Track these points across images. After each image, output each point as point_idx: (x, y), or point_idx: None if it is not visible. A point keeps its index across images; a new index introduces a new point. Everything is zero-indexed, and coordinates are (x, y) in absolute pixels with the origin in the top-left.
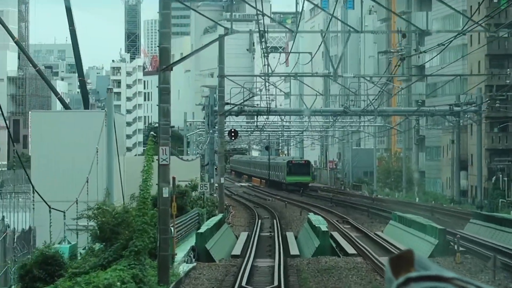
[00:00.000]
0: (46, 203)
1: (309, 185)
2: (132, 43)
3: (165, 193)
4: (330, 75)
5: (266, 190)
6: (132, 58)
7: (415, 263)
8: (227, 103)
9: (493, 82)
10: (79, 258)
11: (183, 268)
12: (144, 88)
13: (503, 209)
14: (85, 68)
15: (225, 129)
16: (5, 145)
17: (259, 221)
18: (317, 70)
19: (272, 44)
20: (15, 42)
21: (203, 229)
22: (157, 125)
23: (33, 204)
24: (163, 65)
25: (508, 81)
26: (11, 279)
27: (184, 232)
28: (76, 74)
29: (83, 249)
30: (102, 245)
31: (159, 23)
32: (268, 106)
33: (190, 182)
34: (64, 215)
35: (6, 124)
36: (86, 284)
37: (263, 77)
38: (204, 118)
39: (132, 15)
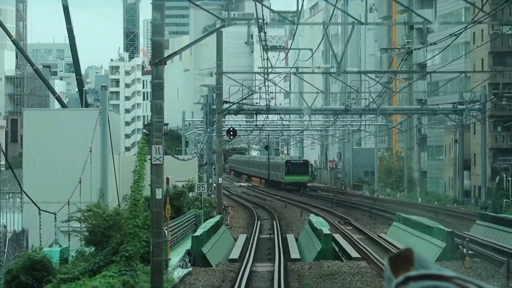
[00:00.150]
0: (35, 204)
1: (309, 185)
2: (130, 42)
3: (158, 194)
4: (331, 73)
5: (266, 190)
6: (130, 57)
7: (415, 262)
8: (226, 102)
9: (497, 80)
10: (70, 262)
11: (178, 273)
12: (143, 88)
13: (508, 210)
14: (84, 67)
15: (223, 128)
16: (3, 145)
17: (259, 222)
18: (316, 69)
19: (272, 43)
20: (12, 41)
21: (199, 232)
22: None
23: (22, 205)
24: (156, 59)
25: None
26: None
27: (180, 235)
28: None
29: (75, 253)
30: (92, 249)
31: (152, 15)
32: (268, 104)
33: (187, 183)
34: (55, 217)
35: None
36: None
37: (262, 74)
38: (203, 117)
39: (130, 14)
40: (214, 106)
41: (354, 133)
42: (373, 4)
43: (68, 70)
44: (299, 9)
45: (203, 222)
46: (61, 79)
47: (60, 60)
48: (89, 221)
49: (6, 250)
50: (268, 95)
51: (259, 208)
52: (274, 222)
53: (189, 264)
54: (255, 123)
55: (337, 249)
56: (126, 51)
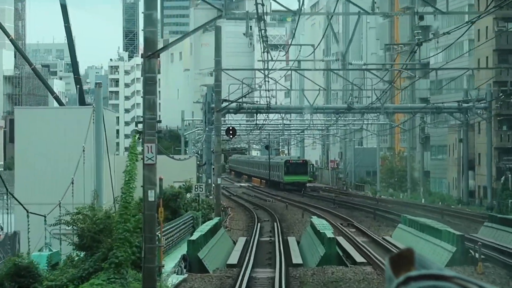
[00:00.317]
0: (23, 206)
1: (311, 185)
2: (130, 42)
3: (151, 196)
4: (333, 70)
5: (266, 190)
6: (130, 57)
7: (415, 262)
8: (225, 100)
9: (502, 78)
10: (58, 268)
11: (172, 280)
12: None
13: None
14: (84, 68)
15: (223, 127)
16: (1, 145)
17: (259, 224)
18: (318, 67)
19: (272, 43)
20: (10, 40)
21: (195, 235)
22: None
23: (8, 207)
24: (149, 51)
25: None
26: None
27: (176, 239)
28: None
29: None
30: (82, 255)
31: (144, 4)
32: (268, 102)
33: (184, 183)
34: (45, 220)
35: None
36: None
37: (262, 71)
38: (202, 117)
39: (130, 13)
40: (213, 105)
41: (356, 132)
42: (375, 2)
43: (67, 70)
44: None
45: (201, 225)
46: (60, 79)
47: (59, 60)
48: (78, 224)
49: None
50: (269, 92)
51: (260, 209)
52: (275, 224)
53: (185, 270)
54: (255, 123)
55: (341, 253)
56: (126, 51)
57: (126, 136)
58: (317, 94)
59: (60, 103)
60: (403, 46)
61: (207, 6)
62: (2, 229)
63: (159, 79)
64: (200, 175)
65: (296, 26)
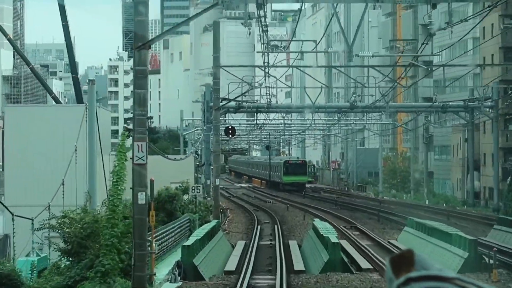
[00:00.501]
0: (7, 208)
1: (312, 186)
2: (130, 41)
3: (141, 199)
4: (336, 66)
5: (267, 191)
6: (130, 57)
7: (416, 263)
8: (224, 99)
9: (508, 76)
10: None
11: None
12: None
13: None
14: (84, 68)
15: (223, 127)
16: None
17: (259, 226)
18: (321, 61)
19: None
20: (8, 40)
21: (191, 240)
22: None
23: None
24: (139, 42)
25: None
26: None
27: (171, 243)
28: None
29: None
30: (68, 261)
31: None
32: (269, 100)
33: (181, 184)
34: (33, 223)
35: None
36: None
37: (262, 68)
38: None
39: (130, 13)
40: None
41: (357, 132)
42: (377, 0)
43: (67, 70)
44: None
45: (198, 227)
46: (60, 79)
47: (59, 61)
48: (64, 229)
49: None
50: (269, 89)
51: (260, 210)
52: (275, 226)
53: (179, 278)
54: (255, 122)
55: (346, 259)
56: (125, 51)
57: None
58: (320, 92)
59: (58, 103)
60: (407, 44)
61: (207, 5)
62: None
63: (159, 79)
64: (199, 176)
65: (298, 21)
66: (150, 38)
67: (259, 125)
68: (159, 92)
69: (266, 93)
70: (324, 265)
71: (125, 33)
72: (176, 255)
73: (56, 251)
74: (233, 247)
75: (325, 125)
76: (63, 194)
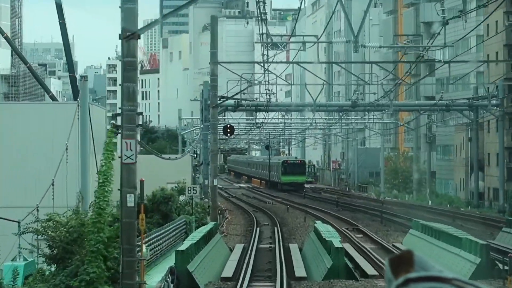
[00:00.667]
0: None
1: (313, 186)
2: None
3: (130, 201)
4: (338, 63)
5: (266, 192)
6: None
7: (415, 263)
8: (223, 97)
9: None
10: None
11: None
12: (142, 87)
13: None
14: (83, 67)
15: (221, 125)
16: None
17: (258, 228)
18: (319, 68)
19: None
20: (5, 38)
21: (185, 244)
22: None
23: None
24: (127, 32)
25: None
26: None
27: (165, 247)
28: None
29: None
30: (53, 267)
31: None
32: (268, 98)
33: (177, 185)
34: (19, 226)
35: None
36: None
37: (261, 64)
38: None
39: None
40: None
41: (358, 132)
42: None
43: (66, 69)
44: None
45: (195, 230)
46: (59, 78)
47: (58, 60)
48: (49, 233)
49: None
50: (269, 85)
51: (259, 212)
52: (275, 228)
53: (172, 286)
54: (255, 121)
55: (350, 265)
56: None
57: None
58: (320, 90)
59: None
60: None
61: (206, 4)
62: None
63: (158, 79)
64: (198, 175)
65: (297, 18)
66: (139, 28)
67: (259, 124)
68: (158, 91)
69: (266, 89)
70: (327, 272)
71: None
72: (170, 260)
73: (40, 256)
74: (231, 250)
75: (325, 124)
76: (53, 195)
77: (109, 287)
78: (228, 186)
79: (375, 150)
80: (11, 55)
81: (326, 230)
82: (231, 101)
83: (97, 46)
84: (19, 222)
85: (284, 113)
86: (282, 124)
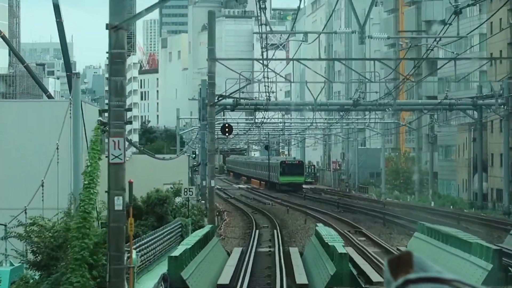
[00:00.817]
0: None
1: (313, 187)
2: (127, 40)
3: (118, 204)
4: (340, 59)
5: (266, 192)
6: (127, 55)
7: (414, 264)
8: (221, 96)
9: None
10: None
11: None
12: (141, 87)
13: None
14: (82, 67)
15: (219, 124)
16: None
17: (257, 231)
18: (318, 67)
19: (272, 41)
20: (2, 37)
21: (179, 250)
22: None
23: None
24: (115, 21)
25: None
26: None
27: (159, 252)
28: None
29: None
30: (37, 275)
31: None
32: (268, 95)
33: (172, 186)
34: (5, 229)
35: None
36: None
37: (261, 61)
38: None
39: (127, 11)
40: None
41: (358, 132)
42: None
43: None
44: None
45: (191, 233)
46: (58, 78)
47: (57, 60)
48: (32, 238)
49: None
50: (268, 82)
51: (258, 213)
52: (275, 231)
53: None
54: (254, 121)
55: (354, 271)
56: None
57: None
58: (321, 89)
59: None
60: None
61: (206, 4)
62: None
63: (157, 79)
64: (195, 176)
65: (297, 15)
66: (127, 17)
67: (258, 123)
68: (157, 91)
69: (265, 86)
70: (330, 279)
71: None
72: (164, 266)
73: (22, 262)
74: (229, 254)
75: (326, 124)
76: (42, 197)
77: None
78: (227, 187)
79: (375, 151)
80: (9, 55)
81: (328, 234)
82: (229, 100)
83: (96, 46)
84: (5, 225)
85: (283, 113)
86: (281, 124)
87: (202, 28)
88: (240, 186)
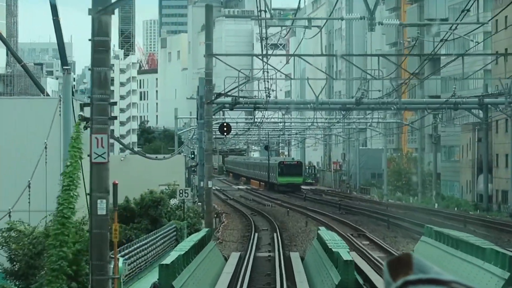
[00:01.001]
0: None
1: (313, 187)
2: (126, 39)
3: (101, 208)
4: (343, 56)
5: (265, 193)
6: (126, 55)
7: (414, 266)
8: (220, 94)
9: None
10: None
11: None
12: (140, 87)
13: None
14: (81, 67)
15: (217, 123)
16: None
17: (256, 234)
18: (319, 67)
19: (272, 41)
20: None
21: (171, 257)
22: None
23: None
24: (98, 6)
25: None
26: None
27: (151, 257)
28: (72, 73)
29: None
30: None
31: None
32: (268, 93)
33: (167, 187)
34: None
35: None
36: None
37: (260, 57)
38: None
39: (126, 10)
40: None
41: (360, 132)
42: None
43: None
44: None
45: (186, 237)
46: (57, 78)
47: (56, 60)
48: (10, 245)
49: None
50: (268, 81)
51: (258, 215)
52: (275, 234)
53: None
54: (253, 120)
55: (360, 280)
56: (121, 49)
57: (122, 136)
58: (322, 88)
59: None
60: (412, 40)
61: (205, 4)
62: None
63: (156, 79)
64: (194, 176)
65: (296, 12)
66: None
67: (257, 123)
68: (157, 91)
69: (265, 81)
70: None
71: (121, 31)
72: (156, 273)
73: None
74: (226, 259)
75: (326, 123)
76: (29, 198)
77: None
78: (226, 187)
79: (376, 151)
80: (7, 54)
81: (332, 239)
82: (228, 99)
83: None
84: None
85: (283, 112)
86: (281, 124)
87: (201, 28)
88: (240, 187)
